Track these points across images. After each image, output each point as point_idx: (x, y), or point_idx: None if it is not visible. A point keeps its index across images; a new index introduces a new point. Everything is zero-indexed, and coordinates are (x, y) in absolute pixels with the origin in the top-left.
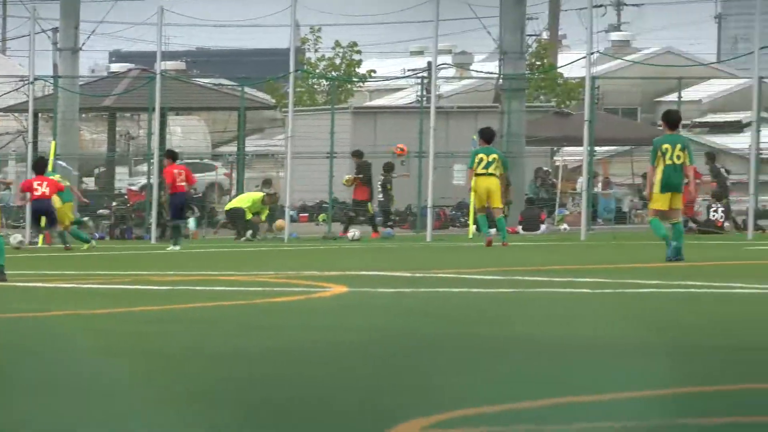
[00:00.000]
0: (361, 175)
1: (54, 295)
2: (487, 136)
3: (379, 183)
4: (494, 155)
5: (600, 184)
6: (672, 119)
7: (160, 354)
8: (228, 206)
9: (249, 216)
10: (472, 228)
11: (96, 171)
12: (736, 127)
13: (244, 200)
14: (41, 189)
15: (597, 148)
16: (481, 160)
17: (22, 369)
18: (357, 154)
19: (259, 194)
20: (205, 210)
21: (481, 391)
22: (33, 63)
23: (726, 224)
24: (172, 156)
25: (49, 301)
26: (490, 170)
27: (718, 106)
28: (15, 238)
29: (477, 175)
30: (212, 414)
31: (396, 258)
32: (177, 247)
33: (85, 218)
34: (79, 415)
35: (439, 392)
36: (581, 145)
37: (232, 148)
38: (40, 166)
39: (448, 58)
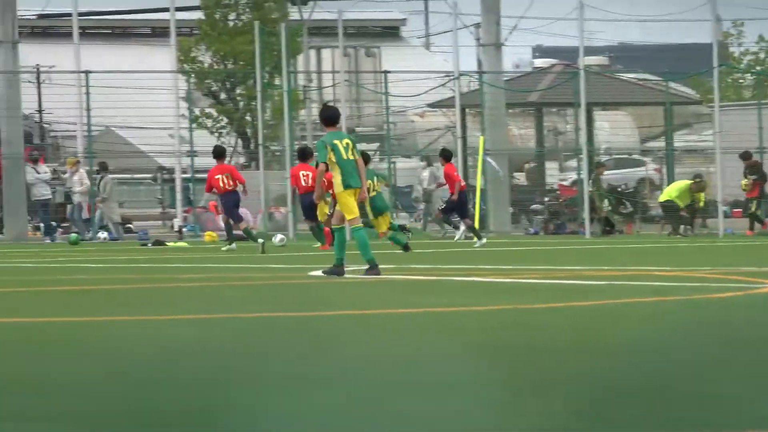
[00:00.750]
0: (755, 176)
1: (492, 289)
2: None
3: None
4: None
5: None
6: None
7: (585, 348)
8: (660, 199)
9: (682, 206)
10: None
11: (526, 166)
12: None
13: (672, 191)
14: (308, 181)
15: None
16: None
17: (437, 364)
18: (745, 156)
19: (686, 182)
20: (638, 205)
21: None
22: (457, 59)
23: None
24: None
25: (487, 294)
26: None
27: None
28: (276, 237)
29: None
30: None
31: None
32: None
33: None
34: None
35: None
36: None
37: (660, 143)
38: (305, 154)
39: None
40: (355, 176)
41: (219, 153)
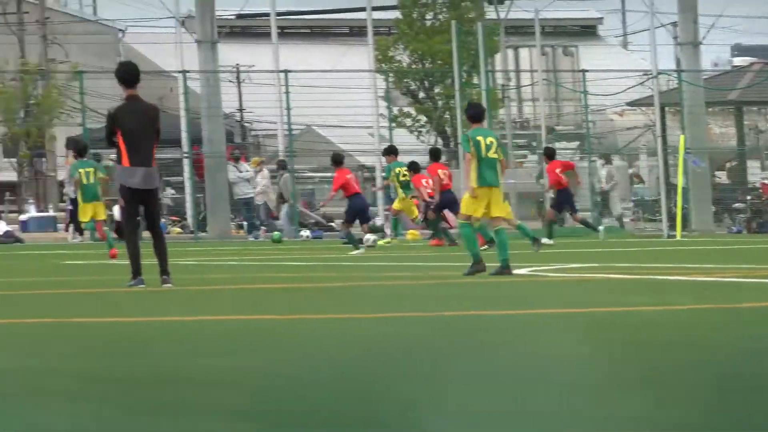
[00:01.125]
0: None
1: (695, 287)
2: None
3: None
4: None
5: None
6: None
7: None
8: None
9: None
10: None
11: (727, 165)
12: None
13: None
14: (445, 179)
15: None
16: None
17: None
18: None
19: None
20: None
21: None
22: (655, 57)
23: None
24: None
25: (689, 293)
26: None
27: None
28: (367, 238)
29: None
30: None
31: None
32: (550, 241)
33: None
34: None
35: None
36: None
37: None
38: (437, 154)
39: None
40: (493, 174)
41: (339, 159)
